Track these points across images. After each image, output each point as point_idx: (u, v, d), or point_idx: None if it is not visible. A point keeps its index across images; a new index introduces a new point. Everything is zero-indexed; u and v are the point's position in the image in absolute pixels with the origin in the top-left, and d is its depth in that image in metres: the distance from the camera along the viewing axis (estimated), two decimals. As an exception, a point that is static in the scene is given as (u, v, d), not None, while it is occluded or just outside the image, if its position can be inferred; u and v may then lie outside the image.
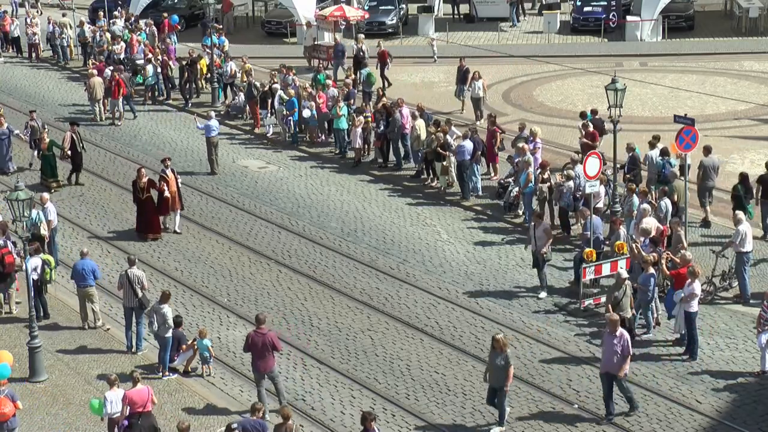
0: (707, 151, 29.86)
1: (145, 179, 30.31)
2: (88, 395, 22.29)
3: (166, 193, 30.46)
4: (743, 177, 28.52)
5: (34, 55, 51.31)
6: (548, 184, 29.67)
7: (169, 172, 30.85)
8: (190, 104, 42.56)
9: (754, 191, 28.62)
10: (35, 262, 24.81)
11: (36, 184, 33.85)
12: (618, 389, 21.23)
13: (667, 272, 24.23)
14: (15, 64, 51.14)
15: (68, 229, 31.42)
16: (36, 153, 35.17)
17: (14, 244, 26.54)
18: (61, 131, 39.83)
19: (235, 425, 19.19)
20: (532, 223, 26.51)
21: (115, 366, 23.31)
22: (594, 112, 34.10)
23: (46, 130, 35.63)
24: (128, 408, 20.07)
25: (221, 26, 44.39)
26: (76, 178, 34.79)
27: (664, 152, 29.97)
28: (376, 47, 43.95)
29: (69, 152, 34.34)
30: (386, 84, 42.36)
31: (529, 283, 27.12)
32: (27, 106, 42.37)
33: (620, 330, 21.01)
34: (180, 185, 31.20)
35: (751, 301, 25.21)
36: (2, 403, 19.86)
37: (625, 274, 23.41)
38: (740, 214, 25.89)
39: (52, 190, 33.33)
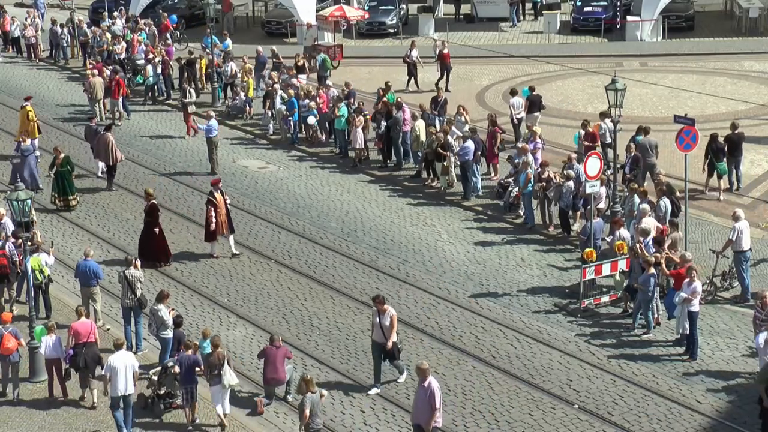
0: (645, 132, 31.50)
1: (152, 201, 28.84)
2: (89, 395, 22.37)
3: (212, 223, 28.58)
4: (713, 137, 31.05)
5: (33, 54, 51.30)
6: (543, 184, 29.64)
7: (218, 194, 28.81)
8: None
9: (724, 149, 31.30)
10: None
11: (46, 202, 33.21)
12: None
13: (667, 272, 24.23)
14: (15, 64, 51.17)
15: (68, 229, 31.43)
16: (50, 169, 33.26)
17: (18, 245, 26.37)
18: (63, 131, 39.99)
19: (171, 363, 21.65)
20: (375, 309, 22.43)
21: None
22: (531, 89, 36.59)
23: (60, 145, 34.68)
24: (73, 339, 22.09)
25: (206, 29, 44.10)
26: (108, 183, 34.21)
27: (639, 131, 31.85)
28: (440, 49, 43.55)
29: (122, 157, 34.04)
30: (446, 87, 42.43)
31: (529, 284, 27.12)
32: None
33: (429, 380, 19.47)
34: (229, 206, 29.27)
35: (751, 302, 25.19)
36: (7, 338, 22.10)
37: None
38: (739, 211, 25.92)
39: (71, 209, 32.58)
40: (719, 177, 31.47)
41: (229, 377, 21.22)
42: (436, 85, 41.93)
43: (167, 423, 21.79)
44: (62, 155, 32.81)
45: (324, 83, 40.79)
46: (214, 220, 28.55)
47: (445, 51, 43.20)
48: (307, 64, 43.22)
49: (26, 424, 21.62)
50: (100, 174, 34.93)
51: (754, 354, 23.06)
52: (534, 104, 36.25)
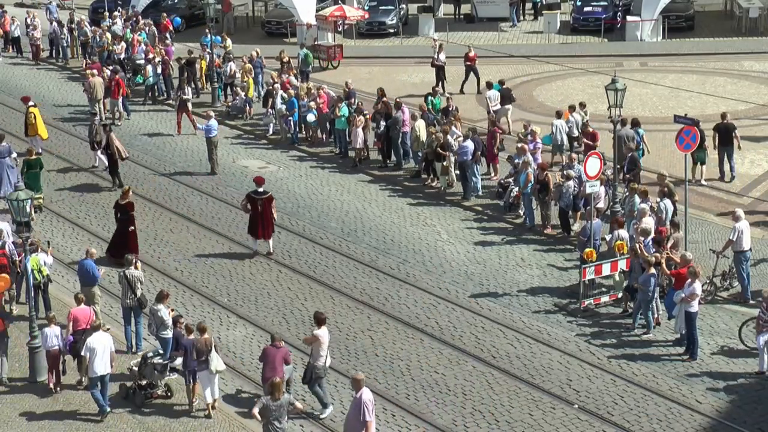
0: (623, 123, 31.73)
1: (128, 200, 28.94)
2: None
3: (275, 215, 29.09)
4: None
5: (36, 56, 51.10)
6: (538, 186, 29.65)
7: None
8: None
9: (712, 138, 32.44)
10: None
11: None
12: None
13: (668, 272, 24.23)
14: (15, 64, 51.14)
15: (68, 229, 31.43)
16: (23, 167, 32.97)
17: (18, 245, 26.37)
18: (63, 131, 39.99)
19: (150, 354, 22.21)
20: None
21: (115, 365, 23.28)
22: (501, 82, 38.00)
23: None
24: (72, 325, 22.63)
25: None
26: (117, 180, 33.91)
27: (635, 123, 32.63)
28: (466, 51, 43.42)
29: (127, 154, 34.12)
30: (477, 89, 42.58)
31: (529, 284, 27.12)
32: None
33: (362, 391, 18.88)
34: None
35: (751, 301, 25.21)
36: None
37: None
38: (739, 211, 25.93)
39: (42, 208, 32.36)
40: (701, 164, 32.39)
41: (217, 363, 21.55)
42: (476, 88, 42.36)
43: (161, 408, 21.97)
44: (33, 156, 32.74)
45: (307, 79, 41.45)
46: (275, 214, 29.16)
47: (472, 53, 43.08)
48: (292, 61, 43.50)
49: (26, 424, 21.62)
50: (104, 168, 35.02)
51: (745, 353, 23.14)
52: (505, 98, 37.43)
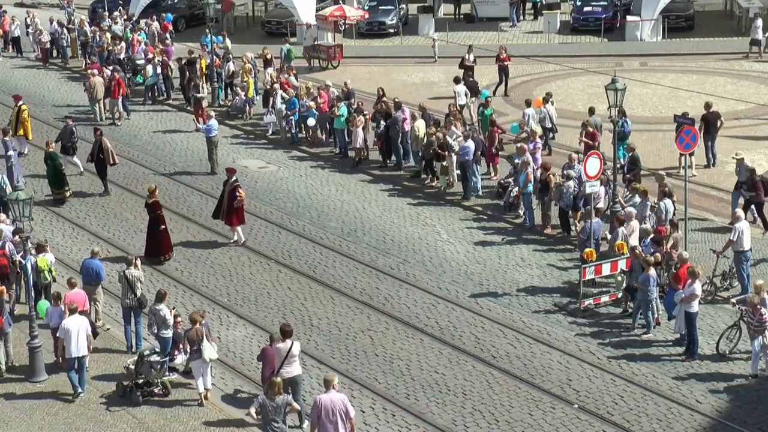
0: (591, 111, 32.96)
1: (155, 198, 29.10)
2: (89, 395, 22.37)
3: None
4: (683, 115, 31.65)
5: (45, 59, 50.83)
6: (539, 185, 29.67)
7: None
8: (191, 104, 42.52)
9: (697, 127, 31.29)
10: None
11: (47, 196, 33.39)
12: None
13: (673, 271, 24.22)
14: (16, 66, 51.12)
15: (68, 229, 31.43)
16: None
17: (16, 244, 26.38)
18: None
19: (147, 352, 22.23)
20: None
21: (115, 365, 23.34)
22: (470, 75, 40.48)
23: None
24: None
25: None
26: (105, 185, 33.85)
27: (622, 112, 32.14)
28: (497, 53, 43.25)
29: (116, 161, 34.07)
30: (504, 92, 42.58)
31: (529, 284, 27.12)
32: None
33: (330, 391, 18.73)
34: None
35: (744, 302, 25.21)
36: None
37: None
38: (739, 211, 25.94)
39: (64, 202, 32.86)
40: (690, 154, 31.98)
41: (209, 352, 21.66)
42: (494, 93, 41.98)
43: (160, 408, 21.97)
44: (51, 149, 33.16)
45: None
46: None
47: (504, 55, 43.01)
48: (275, 58, 43.66)
49: (26, 424, 21.62)
50: (83, 170, 35.23)
51: (745, 354, 23.13)
52: (471, 90, 38.75)
